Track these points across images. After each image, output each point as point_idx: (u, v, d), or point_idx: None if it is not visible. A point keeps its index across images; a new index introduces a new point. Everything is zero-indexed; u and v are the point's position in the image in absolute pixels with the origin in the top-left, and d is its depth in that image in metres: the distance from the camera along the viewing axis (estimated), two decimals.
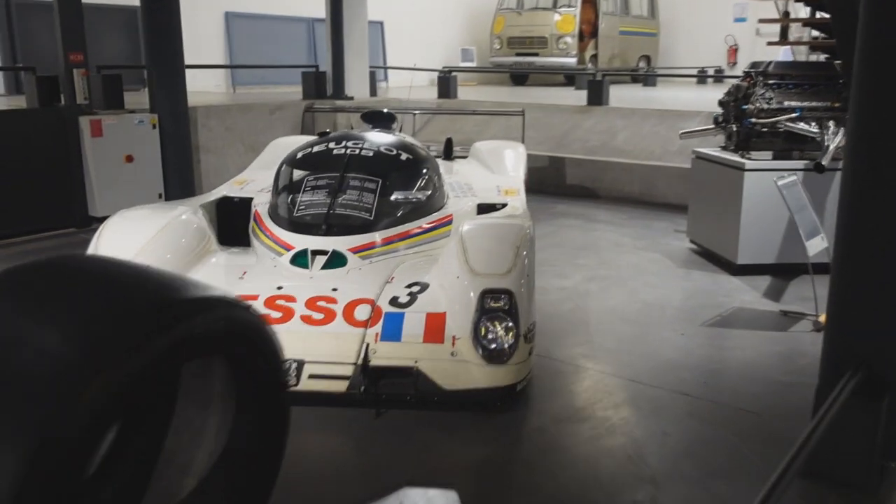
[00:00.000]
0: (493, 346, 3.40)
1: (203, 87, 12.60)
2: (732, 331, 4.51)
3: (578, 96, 10.61)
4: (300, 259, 3.95)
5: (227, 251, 4.29)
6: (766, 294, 5.13)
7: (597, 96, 10.00)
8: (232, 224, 4.59)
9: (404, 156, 4.68)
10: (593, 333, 4.45)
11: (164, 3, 7.20)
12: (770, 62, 5.75)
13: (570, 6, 15.96)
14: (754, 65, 5.82)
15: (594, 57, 16.56)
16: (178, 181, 7.49)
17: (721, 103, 6.05)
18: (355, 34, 10.10)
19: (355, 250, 4.01)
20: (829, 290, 3.04)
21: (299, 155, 4.73)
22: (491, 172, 5.93)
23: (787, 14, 8.23)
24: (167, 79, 7.38)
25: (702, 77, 16.76)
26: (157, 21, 7.25)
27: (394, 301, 3.63)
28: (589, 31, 16.58)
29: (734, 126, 5.75)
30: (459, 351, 3.41)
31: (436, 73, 16.25)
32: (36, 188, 6.79)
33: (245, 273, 3.93)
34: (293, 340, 3.44)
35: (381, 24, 15.78)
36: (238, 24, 13.08)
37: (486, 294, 3.45)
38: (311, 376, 3.40)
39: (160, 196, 7.37)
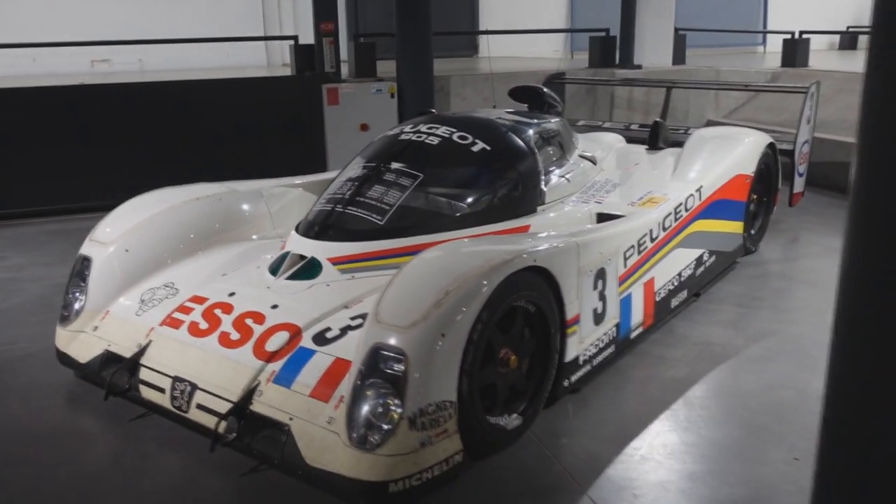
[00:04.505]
0: (369, 423, 2.49)
1: (540, 52, 12.23)
2: None
3: None
4: (278, 264, 3.40)
5: (271, 241, 3.90)
6: None
7: None
8: None
9: (478, 146, 3.74)
10: (667, 436, 3.04)
11: None
12: None
13: None
14: None
15: None
16: None
17: None
18: None
19: (337, 261, 3.31)
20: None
21: (376, 139, 4.11)
22: (671, 171, 4.51)
23: None
24: (411, 45, 7.17)
25: None
26: None
27: (321, 334, 2.91)
28: None
29: None
30: (337, 419, 2.58)
31: (836, 37, 13.46)
32: (286, 149, 7.17)
33: (232, 271, 3.51)
34: (197, 360, 3.00)
35: None
36: None
37: (380, 351, 2.52)
38: (199, 406, 2.91)
39: None
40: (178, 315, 3.21)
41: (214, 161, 6.69)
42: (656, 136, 5.08)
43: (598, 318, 3.30)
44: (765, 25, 13.29)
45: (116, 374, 3.13)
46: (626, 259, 3.48)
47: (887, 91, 1.33)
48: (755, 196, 4.95)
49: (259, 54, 11.17)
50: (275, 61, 11.29)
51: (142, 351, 3.15)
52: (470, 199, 3.58)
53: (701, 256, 4.25)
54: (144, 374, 3.11)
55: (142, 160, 6.60)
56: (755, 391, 3.34)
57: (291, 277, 3.29)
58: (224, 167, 6.02)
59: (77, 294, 3.47)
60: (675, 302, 4.02)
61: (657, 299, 3.80)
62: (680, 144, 4.95)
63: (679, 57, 9.46)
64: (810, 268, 4.95)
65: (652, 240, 3.71)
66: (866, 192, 1.38)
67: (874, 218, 1.38)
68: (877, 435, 1.39)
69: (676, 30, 9.45)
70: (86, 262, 3.49)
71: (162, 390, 3.02)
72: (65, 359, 3.43)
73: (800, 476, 2.69)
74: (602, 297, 3.30)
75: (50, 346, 3.52)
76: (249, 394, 2.79)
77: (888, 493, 1.36)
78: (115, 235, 3.53)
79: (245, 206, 4.01)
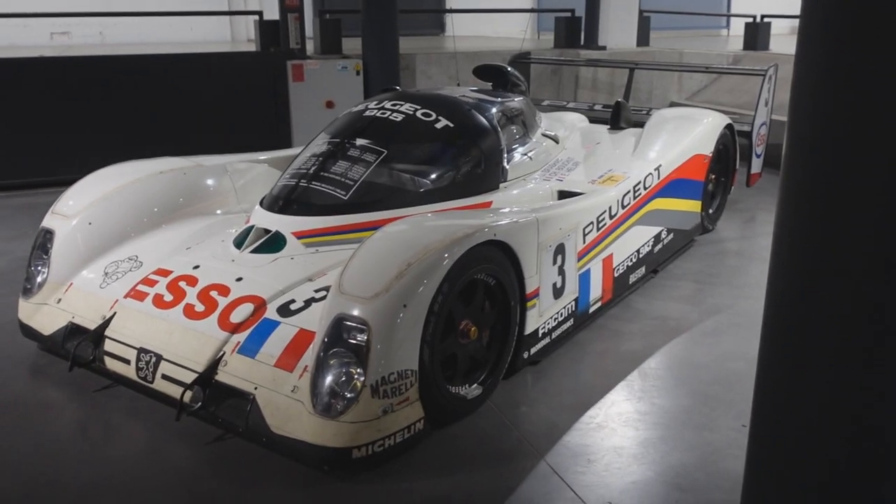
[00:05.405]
0: (332, 391, 2.55)
1: (506, 32, 12.26)
2: None
3: None
4: (243, 237, 3.44)
5: (235, 215, 3.91)
6: None
7: None
8: None
9: (442, 123, 3.79)
10: (624, 396, 3.16)
11: None
12: None
13: None
14: None
15: None
16: None
17: None
18: None
19: (301, 234, 3.36)
20: None
21: (341, 115, 4.14)
22: (632, 150, 4.60)
23: None
24: (377, 23, 7.16)
25: None
26: None
27: (285, 306, 2.95)
28: None
29: None
30: (301, 387, 2.64)
31: (798, 21, 13.67)
32: (251, 125, 7.10)
33: (197, 244, 3.53)
34: (162, 332, 3.03)
35: None
36: None
37: (343, 322, 2.58)
38: (164, 376, 2.94)
39: None
40: (142, 287, 3.23)
41: (179, 136, 6.64)
42: (618, 117, 5.16)
43: (558, 292, 3.39)
44: (729, 9, 13.46)
45: (81, 345, 3.15)
46: (585, 235, 3.57)
47: (816, 77, 1.43)
48: (713, 176, 5.08)
49: (223, 30, 11.04)
50: (239, 37, 11.17)
51: (106, 323, 3.17)
52: (433, 176, 3.64)
53: (659, 234, 4.36)
54: (109, 345, 3.13)
55: (105, 134, 6.53)
56: (707, 362, 3.47)
57: (256, 251, 3.32)
58: (188, 142, 5.99)
59: (39, 267, 3.47)
60: (633, 278, 4.13)
61: (615, 275, 3.91)
62: (642, 124, 5.04)
63: (643, 39, 9.56)
64: (765, 246, 5.10)
65: (611, 217, 3.81)
66: (796, 164, 1.48)
67: (803, 196, 1.48)
68: (802, 401, 1.49)
69: (641, 12, 9.55)
70: (48, 234, 3.48)
71: (127, 361, 3.05)
72: (28, 331, 3.44)
73: (746, 441, 2.82)
74: (561, 272, 3.39)
75: (13, 319, 3.52)
76: (214, 364, 2.83)
77: (810, 449, 1.47)
78: (78, 208, 3.53)
79: (210, 181, 4.02)
